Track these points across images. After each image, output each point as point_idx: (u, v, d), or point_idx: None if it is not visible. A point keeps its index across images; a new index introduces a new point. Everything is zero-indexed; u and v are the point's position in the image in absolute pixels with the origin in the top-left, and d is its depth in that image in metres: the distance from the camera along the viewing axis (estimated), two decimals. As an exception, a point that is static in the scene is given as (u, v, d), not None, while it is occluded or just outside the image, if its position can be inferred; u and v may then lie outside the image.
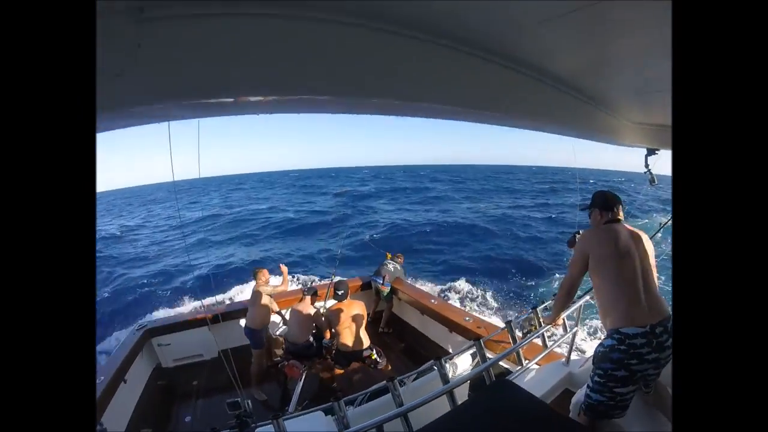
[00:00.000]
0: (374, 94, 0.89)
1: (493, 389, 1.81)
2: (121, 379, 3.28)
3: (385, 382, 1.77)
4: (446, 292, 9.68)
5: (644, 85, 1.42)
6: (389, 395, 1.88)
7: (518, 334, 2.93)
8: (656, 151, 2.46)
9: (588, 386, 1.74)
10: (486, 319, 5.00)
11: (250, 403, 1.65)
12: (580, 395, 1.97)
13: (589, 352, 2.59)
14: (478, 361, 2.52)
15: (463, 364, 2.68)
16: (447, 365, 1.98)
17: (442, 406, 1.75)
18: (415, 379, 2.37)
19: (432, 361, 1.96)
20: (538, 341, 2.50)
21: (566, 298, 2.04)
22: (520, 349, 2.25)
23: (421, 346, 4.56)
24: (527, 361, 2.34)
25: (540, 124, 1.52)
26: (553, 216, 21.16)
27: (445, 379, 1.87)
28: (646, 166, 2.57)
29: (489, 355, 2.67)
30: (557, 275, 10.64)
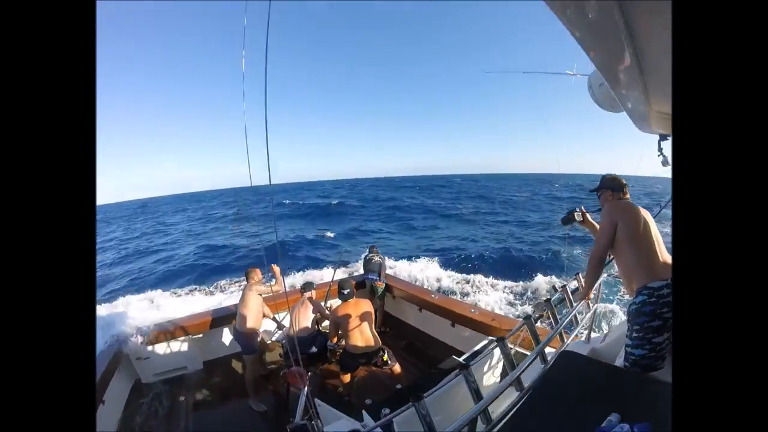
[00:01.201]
0: None
1: (558, 363, 1.81)
2: (99, 401, 2.93)
3: (458, 370, 1.65)
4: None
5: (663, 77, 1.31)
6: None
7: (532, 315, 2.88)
8: (668, 137, 2.47)
9: (627, 345, 1.86)
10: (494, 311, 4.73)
11: (319, 425, 1.43)
12: (619, 360, 2.00)
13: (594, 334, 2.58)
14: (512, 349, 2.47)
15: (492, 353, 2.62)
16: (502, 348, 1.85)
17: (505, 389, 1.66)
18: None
19: (495, 341, 1.88)
20: (545, 325, 2.49)
21: (598, 267, 2.12)
22: (561, 330, 2.17)
23: (422, 342, 4.34)
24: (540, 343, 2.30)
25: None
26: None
27: (510, 361, 1.78)
28: (659, 150, 2.60)
29: (511, 345, 2.65)
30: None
